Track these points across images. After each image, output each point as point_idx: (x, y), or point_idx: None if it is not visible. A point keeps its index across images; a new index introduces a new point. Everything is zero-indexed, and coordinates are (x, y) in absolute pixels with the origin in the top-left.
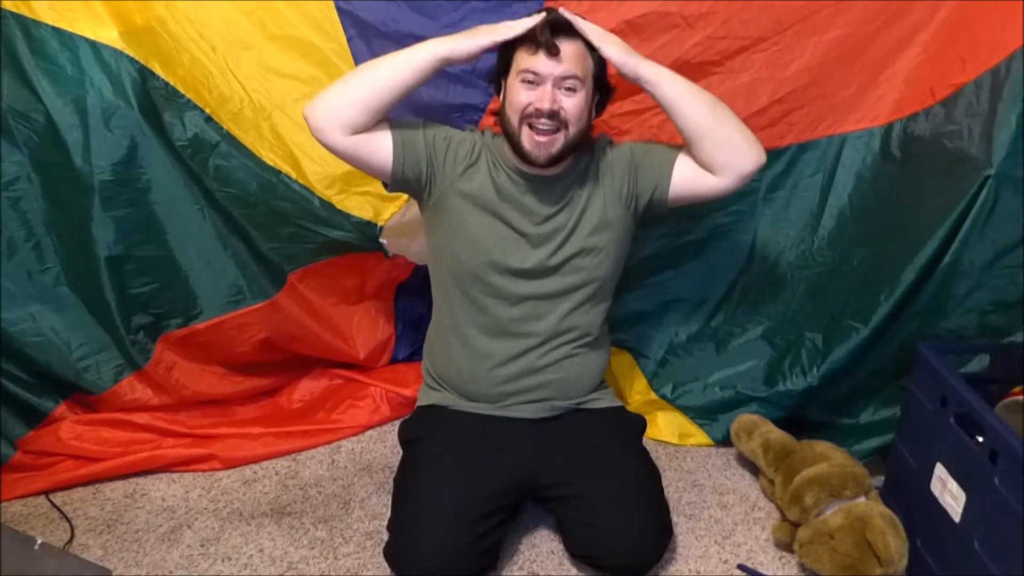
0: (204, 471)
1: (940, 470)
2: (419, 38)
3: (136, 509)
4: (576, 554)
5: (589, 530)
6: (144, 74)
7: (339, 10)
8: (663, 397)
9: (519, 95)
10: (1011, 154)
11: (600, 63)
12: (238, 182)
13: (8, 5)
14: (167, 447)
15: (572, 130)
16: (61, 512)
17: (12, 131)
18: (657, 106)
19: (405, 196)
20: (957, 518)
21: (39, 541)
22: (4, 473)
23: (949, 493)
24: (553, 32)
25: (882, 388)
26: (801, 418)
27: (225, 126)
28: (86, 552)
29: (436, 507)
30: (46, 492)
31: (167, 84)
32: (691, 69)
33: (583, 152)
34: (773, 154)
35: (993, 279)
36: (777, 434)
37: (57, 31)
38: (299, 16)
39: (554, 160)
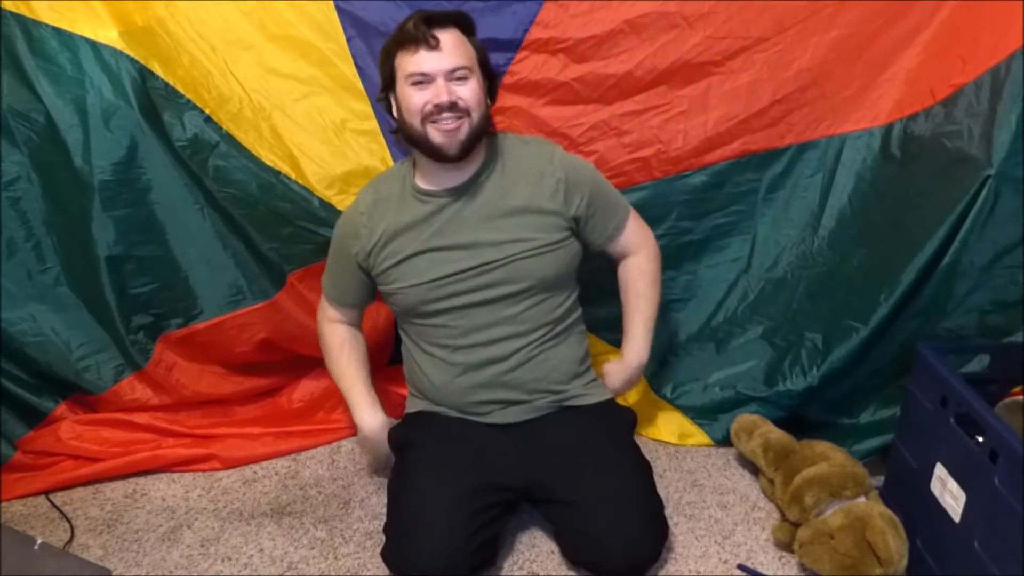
0: (204, 471)
1: (940, 470)
2: None
3: (136, 509)
4: (574, 561)
5: (584, 537)
6: (144, 74)
7: (339, 10)
8: (663, 397)
9: (413, 99)
10: (1011, 154)
11: (481, 50)
12: (238, 182)
13: (8, 5)
14: (167, 447)
15: (475, 116)
16: (61, 512)
17: (12, 131)
18: (658, 106)
19: None
20: (957, 518)
21: (39, 541)
22: (4, 473)
23: (949, 493)
24: (428, 25)
25: (882, 388)
26: (801, 418)
27: (225, 126)
28: (86, 552)
29: (430, 507)
30: (46, 492)
31: (167, 84)
32: (691, 69)
33: (492, 151)
34: (773, 154)
35: (993, 279)
36: (777, 434)
37: (57, 31)
38: (299, 16)
39: (465, 149)
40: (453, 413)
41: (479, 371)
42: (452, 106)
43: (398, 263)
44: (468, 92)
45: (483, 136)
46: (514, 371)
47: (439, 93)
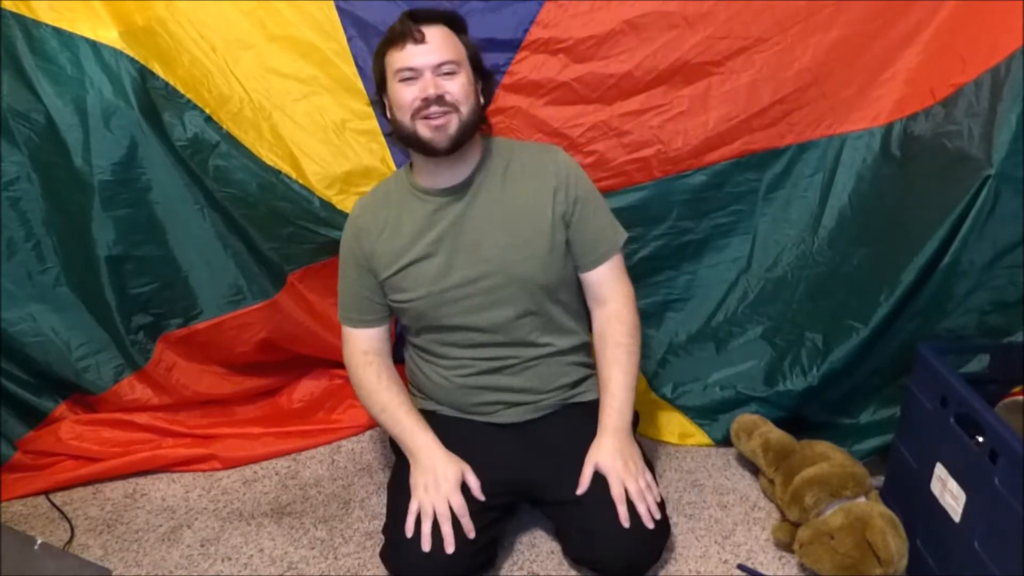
0: (204, 471)
1: (940, 470)
2: None
3: (136, 509)
4: (576, 559)
5: (586, 536)
6: (144, 74)
7: (339, 10)
8: (663, 397)
9: (403, 94)
10: (1011, 154)
11: (472, 47)
12: (238, 182)
13: (8, 5)
14: (167, 447)
15: (464, 111)
16: (61, 512)
17: (12, 131)
18: (658, 106)
19: None
20: (957, 518)
21: (39, 541)
22: (4, 473)
23: (949, 493)
24: (414, 21)
25: (882, 388)
26: (801, 418)
27: (225, 126)
28: (86, 552)
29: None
30: (46, 492)
31: (167, 84)
32: (691, 69)
33: (489, 151)
34: (773, 154)
35: (993, 279)
36: (777, 434)
37: (57, 31)
38: (299, 16)
39: (455, 143)
40: (454, 413)
41: (485, 375)
42: (439, 99)
43: (404, 268)
44: (456, 86)
45: (475, 131)
46: (520, 374)
47: (426, 87)
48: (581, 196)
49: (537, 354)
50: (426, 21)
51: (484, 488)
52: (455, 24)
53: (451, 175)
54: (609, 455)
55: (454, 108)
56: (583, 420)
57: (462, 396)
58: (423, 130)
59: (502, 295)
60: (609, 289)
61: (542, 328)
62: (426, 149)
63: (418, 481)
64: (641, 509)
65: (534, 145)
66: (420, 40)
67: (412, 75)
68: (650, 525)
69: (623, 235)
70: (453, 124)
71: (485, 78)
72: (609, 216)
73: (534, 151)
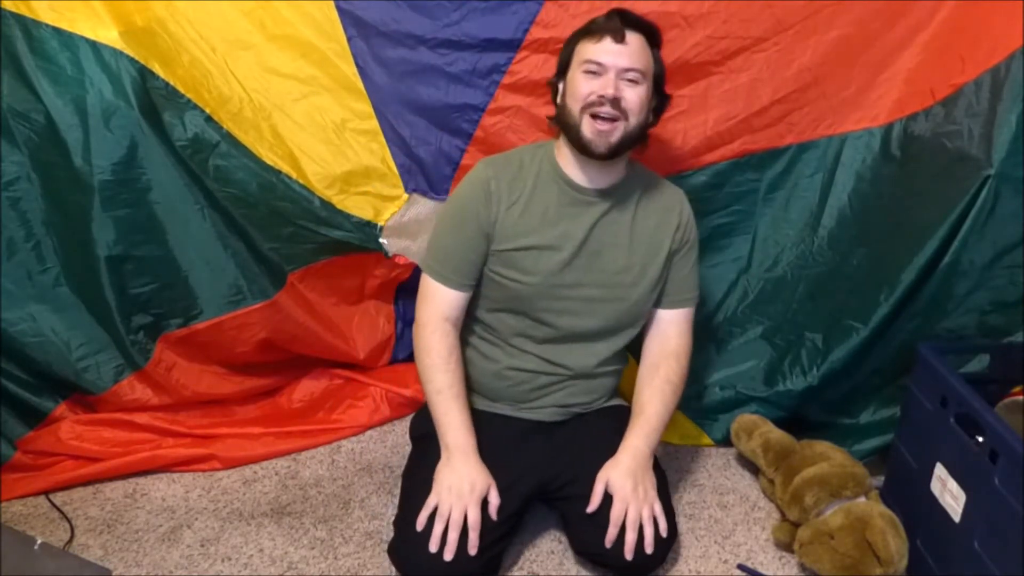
0: (204, 471)
1: (940, 470)
2: (419, 38)
3: (136, 509)
4: (581, 551)
5: (593, 528)
6: (144, 74)
7: (339, 10)
8: None
9: (581, 85)
10: (1011, 154)
11: (661, 66)
12: (238, 182)
13: (8, 5)
14: (167, 447)
15: (632, 122)
16: (61, 512)
17: (12, 131)
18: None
19: (405, 196)
20: (957, 518)
21: (39, 541)
22: (4, 473)
23: (949, 493)
24: (621, 20)
25: (882, 388)
26: (801, 418)
27: (225, 126)
28: (86, 552)
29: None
30: (46, 492)
31: (167, 84)
32: (691, 69)
33: (632, 170)
34: (773, 154)
35: (993, 279)
36: (777, 434)
37: (57, 31)
38: (299, 16)
39: (613, 151)
40: (482, 404)
41: (543, 373)
42: (615, 101)
43: (526, 249)
44: (634, 95)
45: (633, 145)
46: (575, 380)
47: (606, 85)
48: (691, 241)
49: (593, 371)
50: (631, 25)
51: (505, 498)
52: (653, 37)
53: (597, 178)
54: (622, 474)
55: (624, 116)
56: (602, 423)
57: (503, 383)
58: (587, 128)
59: (600, 309)
60: (677, 332)
61: (610, 349)
62: (584, 148)
63: (443, 479)
64: (629, 538)
65: (664, 182)
66: (620, 40)
67: (598, 70)
68: (628, 557)
69: (698, 295)
70: (618, 132)
71: (661, 98)
72: (698, 272)
73: (665, 187)
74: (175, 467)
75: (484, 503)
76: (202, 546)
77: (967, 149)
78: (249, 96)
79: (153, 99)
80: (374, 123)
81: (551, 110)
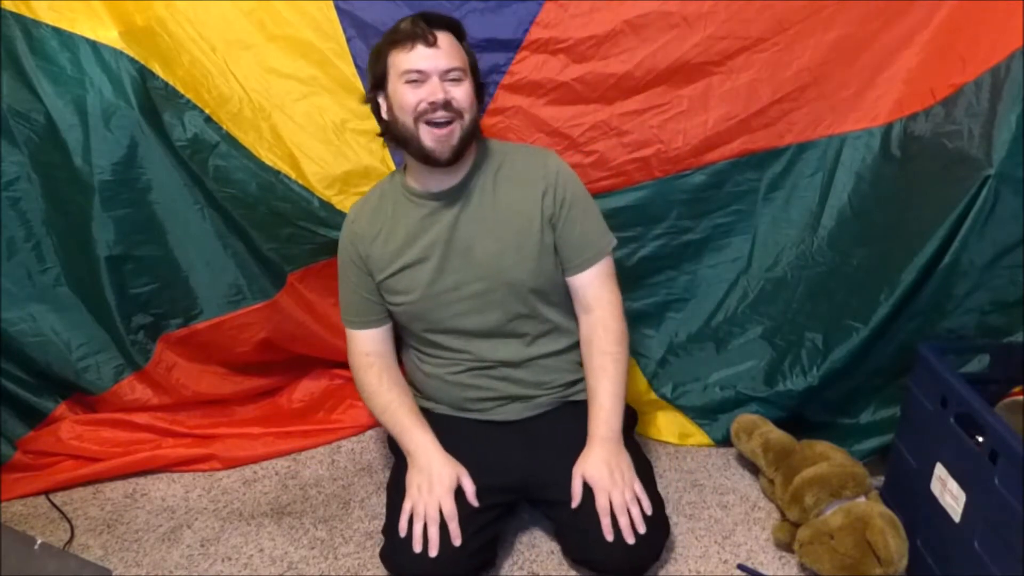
0: (204, 471)
1: (940, 470)
2: None
3: (136, 509)
4: (576, 559)
5: (585, 536)
6: (144, 74)
7: (339, 10)
8: (663, 397)
9: (407, 96)
10: (1011, 154)
11: (473, 56)
12: (238, 182)
13: (8, 5)
14: (167, 447)
15: (466, 119)
16: (61, 512)
17: (12, 131)
18: (658, 106)
19: None
20: (957, 518)
21: (39, 541)
22: (4, 473)
23: (949, 493)
24: (427, 23)
25: (882, 388)
26: (801, 418)
27: (225, 126)
28: (86, 552)
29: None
30: (46, 492)
31: (167, 84)
32: (691, 69)
33: (482, 154)
34: (773, 154)
35: (993, 279)
36: (777, 434)
37: (57, 31)
38: (298, 16)
39: (456, 153)
40: (452, 412)
41: (477, 373)
42: (446, 104)
43: (399, 271)
44: (462, 93)
45: (473, 140)
46: (513, 372)
47: (434, 91)
48: (569, 199)
49: (530, 355)
50: (436, 25)
51: (482, 490)
52: (459, 31)
53: (445, 180)
54: (595, 466)
55: (459, 115)
56: (580, 421)
57: (457, 392)
58: (426, 138)
59: (493, 299)
60: (595, 295)
61: (535, 330)
62: (427, 158)
63: (412, 481)
64: (622, 522)
65: (527, 148)
66: (432, 43)
67: (420, 78)
68: (630, 540)
69: (612, 241)
70: (456, 133)
71: (480, 86)
72: (599, 221)
73: (526, 154)
74: (175, 467)
75: (462, 494)
76: (202, 546)
77: (967, 149)
78: (249, 96)
79: (153, 99)
80: (374, 123)
81: (551, 111)
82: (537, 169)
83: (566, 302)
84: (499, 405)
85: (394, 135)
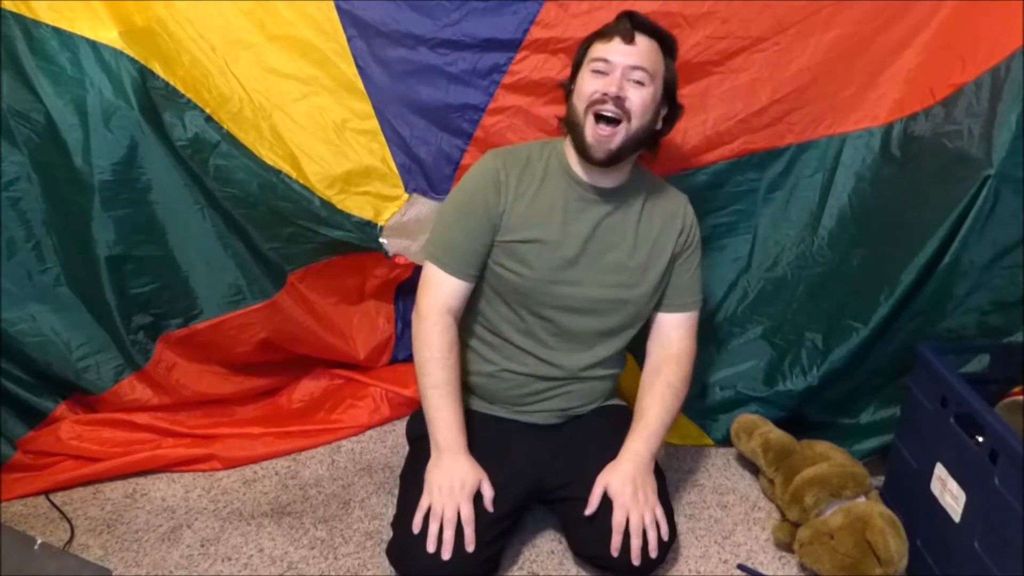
0: (204, 471)
1: (940, 470)
2: (419, 38)
3: (136, 509)
4: (580, 554)
5: (593, 530)
6: (144, 74)
7: (339, 10)
8: None
9: (587, 84)
10: (1011, 154)
11: (673, 73)
12: (238, 182)
13: (8, 5)
14: (167, 447)
15: (634, 124)
16: (61, 512)
17: (12, 131)
18: None
19: (405, 196)
20: (957, 518)
21: (39, 541)
22: (4, 473)
23: (949, 493)
24: (631, 23)
25: (882, 388)
26: (801, 418)
27: (225, 126)
28: (86, 552)
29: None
30: (46, 492)
31: (167, 84)
32: (691, 69)
33: (637, 175)
34: (773, 154)
35: (993, 279)
36: (777, 434)
37: (57, 31)
38: (299, 16)
39: (611, 157)
40: (479, 406)
41: (539, 376)
42: (617, 100)
43: (530, 241)
44: (638, 96)
45: (636, 150)
46: (571, 385)
47: (611, 83)
48: (693, 245)
49: (587, 373)
50: (643, 29)
51: (500, 498)
52: (666, 44)
53: (600, 179)
54: (621, 479)
55: (627, 116)
56: (600, 423)
57: (498, 384)
58: (590, 131)
59: (600, 308)
60: (679, 336)
61: (607, 351)
62: (584, 151)
63: (434, 479)
64: (634, 544)
65: (669, 186)
66: (629, 41)
67: (605, 68)
68: (636, 562)
69: (702, 298)
70: (618, 137)
71: (672, 106)
72: (701, 276)
73: (670, 192)
74: (175, 467)
75: (479, 498)
76: (202, 546)
77: (967, 149)
78: (249, 96)
79: (153, 99)
80: (374, 123)
81: (551, 110)
82: (678, 208)
83: (637, 336)
84: (535, 411)
85: (567, 121)
